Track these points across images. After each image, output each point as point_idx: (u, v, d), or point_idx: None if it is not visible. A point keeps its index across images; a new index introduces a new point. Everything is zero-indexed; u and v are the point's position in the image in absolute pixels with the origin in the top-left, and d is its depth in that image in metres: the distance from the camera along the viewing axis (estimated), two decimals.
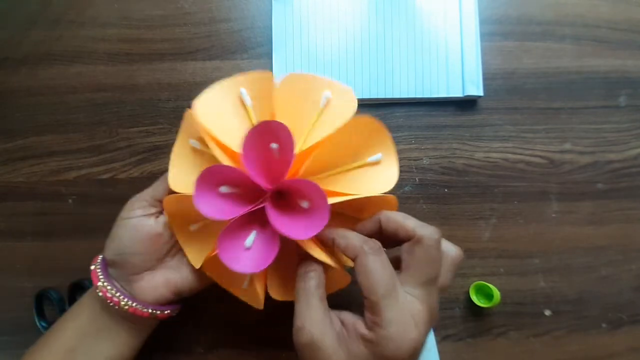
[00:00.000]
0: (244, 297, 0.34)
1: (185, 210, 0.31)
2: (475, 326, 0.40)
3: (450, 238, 0.40)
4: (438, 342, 0.40)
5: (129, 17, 0.43)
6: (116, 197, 0.41)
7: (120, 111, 0.42)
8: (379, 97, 0.42)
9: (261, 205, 0.28)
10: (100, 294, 0.31)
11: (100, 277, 0.32)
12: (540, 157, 0.42)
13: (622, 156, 0.42)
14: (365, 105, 0.42)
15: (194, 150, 0.32)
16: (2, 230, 0.41)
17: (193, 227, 0.32)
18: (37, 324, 0.39)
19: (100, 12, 0.43)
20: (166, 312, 0.33)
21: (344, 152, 0.31)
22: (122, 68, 0.42)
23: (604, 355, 0.41)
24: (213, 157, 0.30)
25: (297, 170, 0.30)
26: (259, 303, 0.32)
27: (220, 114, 0.31)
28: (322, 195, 0.27)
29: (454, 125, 0.42)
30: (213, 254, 0.31)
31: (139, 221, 0.32)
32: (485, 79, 0.42)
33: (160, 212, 0.33)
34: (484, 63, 0.42)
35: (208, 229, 0.32)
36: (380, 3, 0.42)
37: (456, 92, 0.41)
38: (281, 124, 0.27)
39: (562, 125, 0.42)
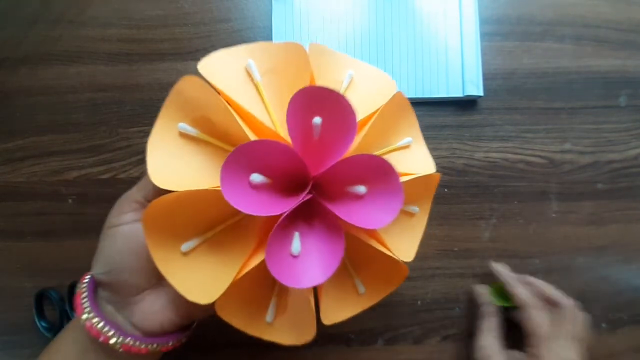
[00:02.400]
0: (270, 336, 0.26)
1: (177, 221, 0.24)
2: (476, 326, 0.40)
3: (450, 238, 0.40)
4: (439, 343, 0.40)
5: (129, 17, 0.43)
6: (116, 197, 0.41)
7: (120, 111, 0.42)
8: None
9: (309, 197, 0.23)
10: (86, 327, 0.24)
11: (85, 305, 0.25)
12: (540, 157, 0.42)
13: (622, 156, 0.42)
14: None
15: (184, 137, 0.25)
16: (2, 230, 0.41)
17: (186, 247, 0.24)
18: (37, 324, 0.39)
19: (100, 12, 0.43)
20: (170, 343, 0.26)
21: (372, 137, 0.26)
22: (122, 68, 0.42)
23: (604, 355, 0.41)
24: (215, 148, 0.24)
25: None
26: (303, 335, 0.25)
27: (227, 85, 0.25)
28: (391, 169, 0.22)
29: (454, 125, 0.42)
30: (237, 279, 0.24)
31: (131, 228, 0.25)
32: (485, 79, 0.42)
33: None
34: (484, 63, 0.42)
35: (209, 248, 0.24)
36: (380, 3, 0.42)
37: (456, 92, 0.41)
38: (334, 91, 0.21)
39: (562, 125, 0.42)
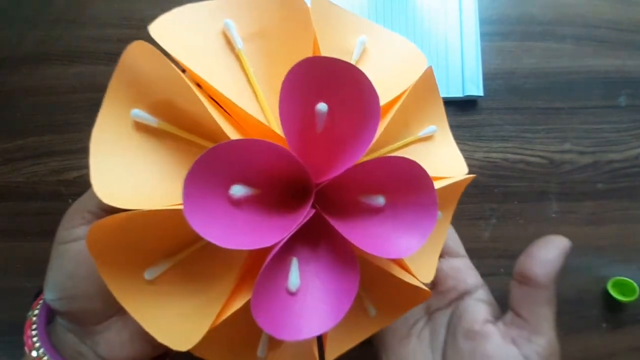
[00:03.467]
0: None
1: (137, 242, 0.17)
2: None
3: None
4: None
5: (129, 17, 0.43)
6: None
7: None
8: None
9: (312, 213, 0.17)
10: None
11: (35, 339, 0.21)
12: (540, 157, 0.42)
13: (622, 156, 0.42)
14: None
15: (140, 130, 0.17)
16: (3, 230, 0.41)
17: (151, 274, 0.18)
18: None
19: (100, 12, 0.43)
20: None
21: (394, 129, 0.20)
22: None
23: (604, 355, 0.41)
24: (182, 142, 0.17)
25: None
26: None
27: (192, 54, 0.17)
28: (425, 177, 0.16)
29: (454, 125, 0.42)
30: (217, 324, 0.18)
31: (83, 245, 0.20)
32: (485, 79, 0.42)
33: None
34: (484, 63, 0.42)
35: (180, 274, 0.18)
36: (380, 3, 0.42)
37: (456, 92, 0.41)
38: (346, 63, 0.15)
39: (562, 125, 0.42)
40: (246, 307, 0.16)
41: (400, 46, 0.22)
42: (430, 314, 0.27)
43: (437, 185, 0.19)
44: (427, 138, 0.22)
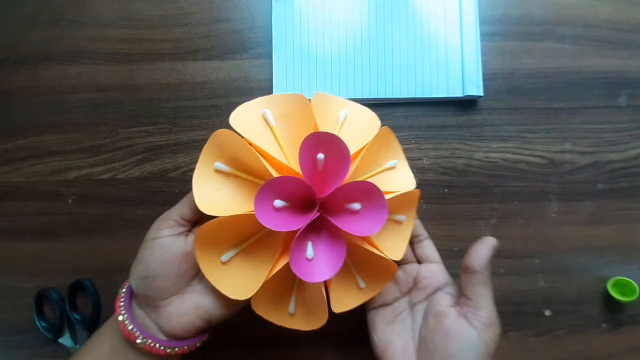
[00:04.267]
0: (293, 325, 0.32)
1: (218, 238, 0.30)
2: None
3: (450, 238, 0.40)
4: None
5: (129, 17, 0.43)
6: (116, 197, 0.41)
7: (120, 111, 0.42)
8: (379, 97, 0.42)
9: (317, 214, 0.29)
10: (120, 327, 0.30)
11: (122, 308, 0.30)
12: (540, 157, 0.42)
13: (622, 156, 0.42)
14: (366, 106, 0.42)
15: (219, 173, 0.32)
16: (2, 230, 0.41)
17: (225, 257, 0.31)
18: (37, 324, 0.39)
19: (100, 12, 0.43)
20: (185, 347, 0.31)
21: (365, 162, 0.33)
22: (122, 68, 0.42)
23: (604, 355, 0.41)
24: (243, 180, 0.32)
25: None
26: (318, 321, 0.31)
27: (251, 132, 0.31)
28: (378, 191, 0.28)
29: (454, 125, 0.42)
30: (267, 280, 0.30)
31: (167, 241, 0.30)
32: (485, 79, 0.42)
33: (189, 231, 0.32)
34: (484, 63, 0.42)
35: (243, 256, 0.31)
36: (381, 3, 0.42)
37: (456, 92, 0.41)
38: (333, 135, 0.28)
39: (562, 125, 0.42)
40: (282, 273, 0.30)
41: (366, 114, 0.35)
42: (412, 305, 0.35)
43: (391, 196, 0.32)
44: (391, 168, 0.35)
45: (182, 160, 0.41)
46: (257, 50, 0.42)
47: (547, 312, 0.41)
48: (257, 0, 0.43)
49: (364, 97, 0.41)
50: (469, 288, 0.31)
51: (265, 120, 0.32)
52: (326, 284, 0.32)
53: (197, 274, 0.32)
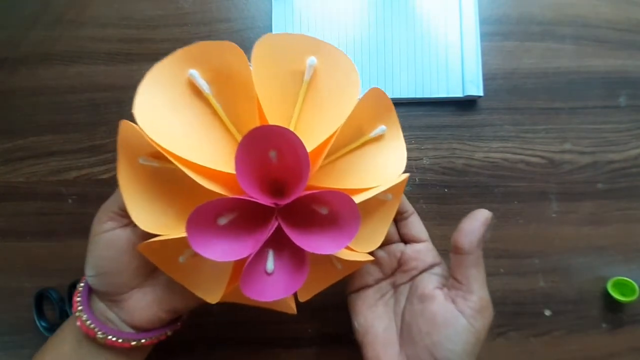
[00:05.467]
0: (274, 307, 0.30)
1: (166, 250, 0.26)
2: None
3: (450, 238, 0.40)
4: None
5: (129, 17, 0.43)
6: None
7: (120, 111, 0.42)
8: None
9: (274, 227, 0.24)
10: (78, 323, 0.28)
11: (79, 304, 0.28)
12: (540, 157, 0.42)
13: (622, 156, 0.42)
14: None
15: (147, 169, 0.25)
16: (2, 230, 0.41)
17: (183, 259, 0.27)
18: (37, 324, 0.39)
19: (100, 12, 0.43)
20: (153, 338, 0.29)
21: (344, 132, 0.26)
22: (122, 68, 0.42)
23: (604, 355, 0.41)
24: (180, 172, 0.23)
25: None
26: (292, 308, 0.29)
27: (171, 117, 0.23)
28: (350, 202, 0.23)
29: (454, 125, 0.42)
30: (230, 287, 0.27)
31: (111, 235, 0.28)
32: (485, 79, 0.42)
33: None
34: (484, 63, 0.42)
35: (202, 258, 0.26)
36: (380, 3, 0.42)
37: (456, 92, 0.41)
38: (283, 129, 0.22)
39: (562, 125, 0.42)
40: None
41: (342, 64, 0.25)
42: (395, 287, 0.32)
43: (372, 194, 0.26)
44: (378, 138, 0.28)
45: None
46: None
47: (547, 312, 0.41)
48: (257, 0, 0.43)
49: None
50: (459, 270, 0.28)
51: (193, 86, 0.23)
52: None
53: (155, 267, 0.29)
